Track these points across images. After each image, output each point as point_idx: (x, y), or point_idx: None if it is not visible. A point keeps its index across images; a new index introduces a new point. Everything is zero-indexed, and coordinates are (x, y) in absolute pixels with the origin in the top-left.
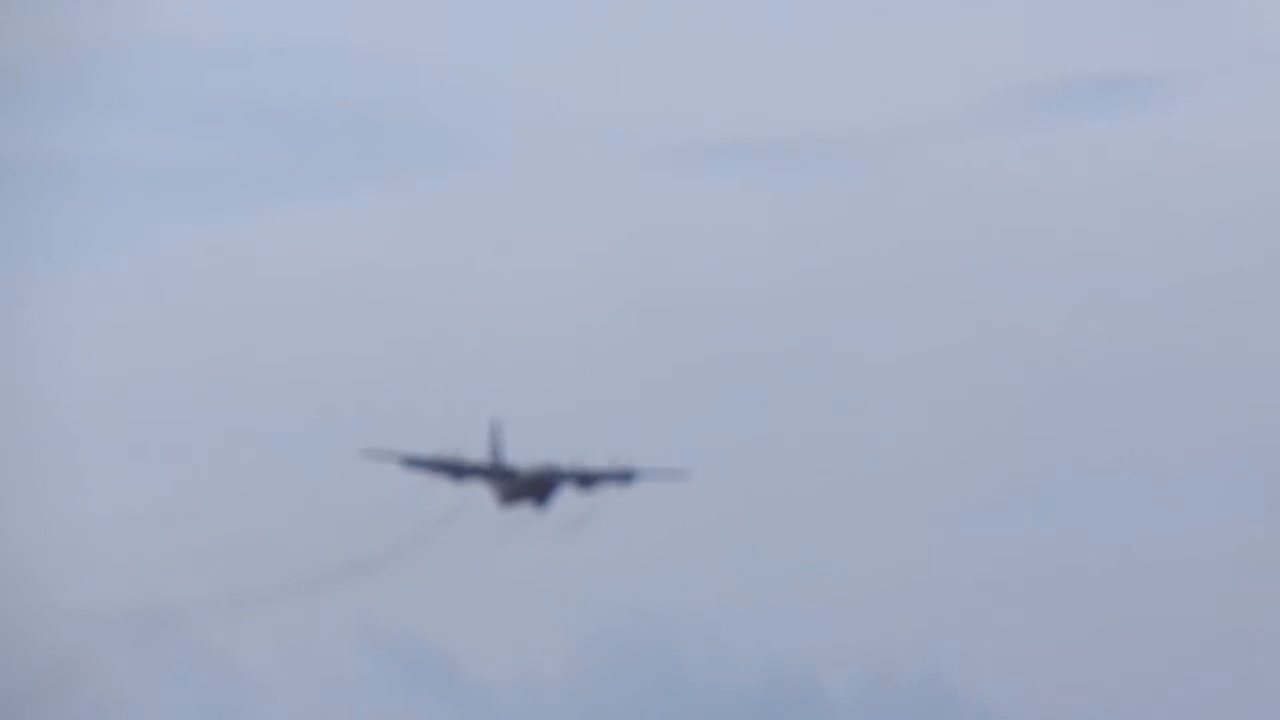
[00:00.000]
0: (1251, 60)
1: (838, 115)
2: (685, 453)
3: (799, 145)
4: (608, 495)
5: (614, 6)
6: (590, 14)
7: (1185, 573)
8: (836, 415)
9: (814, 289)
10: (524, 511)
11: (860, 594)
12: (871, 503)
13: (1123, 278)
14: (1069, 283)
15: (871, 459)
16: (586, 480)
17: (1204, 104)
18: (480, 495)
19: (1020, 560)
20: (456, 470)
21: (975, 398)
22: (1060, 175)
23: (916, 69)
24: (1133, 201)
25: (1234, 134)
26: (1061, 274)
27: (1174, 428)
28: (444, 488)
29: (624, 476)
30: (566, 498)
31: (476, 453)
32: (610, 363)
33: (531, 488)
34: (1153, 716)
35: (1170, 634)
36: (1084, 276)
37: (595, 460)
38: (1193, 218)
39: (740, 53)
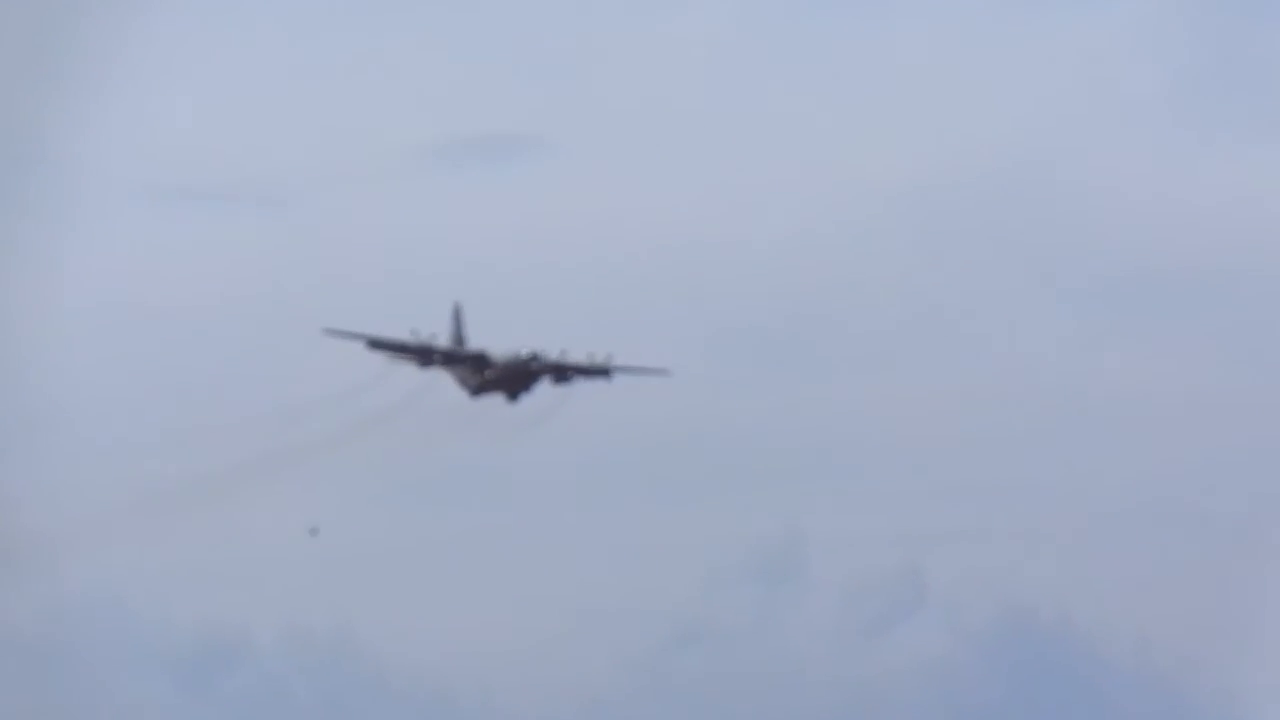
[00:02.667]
0: (614, 120)
1: (270, 162)
2: None
3: (242, 187)
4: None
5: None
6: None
7: None
8: None
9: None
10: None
11: None
12: None
13: (511, 315)
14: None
15: None
16: (563, 374)
17: (575, 159)
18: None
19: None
20: (425, 354)
21: None
22: (453, 222)
23: (341, 127)
24: (515, 246)
25: (603, 186)
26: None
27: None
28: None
29: (602, 372)
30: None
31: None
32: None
33: (506, 379)
34: None
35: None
36: (487, 310)
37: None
38: (571, 259)
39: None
